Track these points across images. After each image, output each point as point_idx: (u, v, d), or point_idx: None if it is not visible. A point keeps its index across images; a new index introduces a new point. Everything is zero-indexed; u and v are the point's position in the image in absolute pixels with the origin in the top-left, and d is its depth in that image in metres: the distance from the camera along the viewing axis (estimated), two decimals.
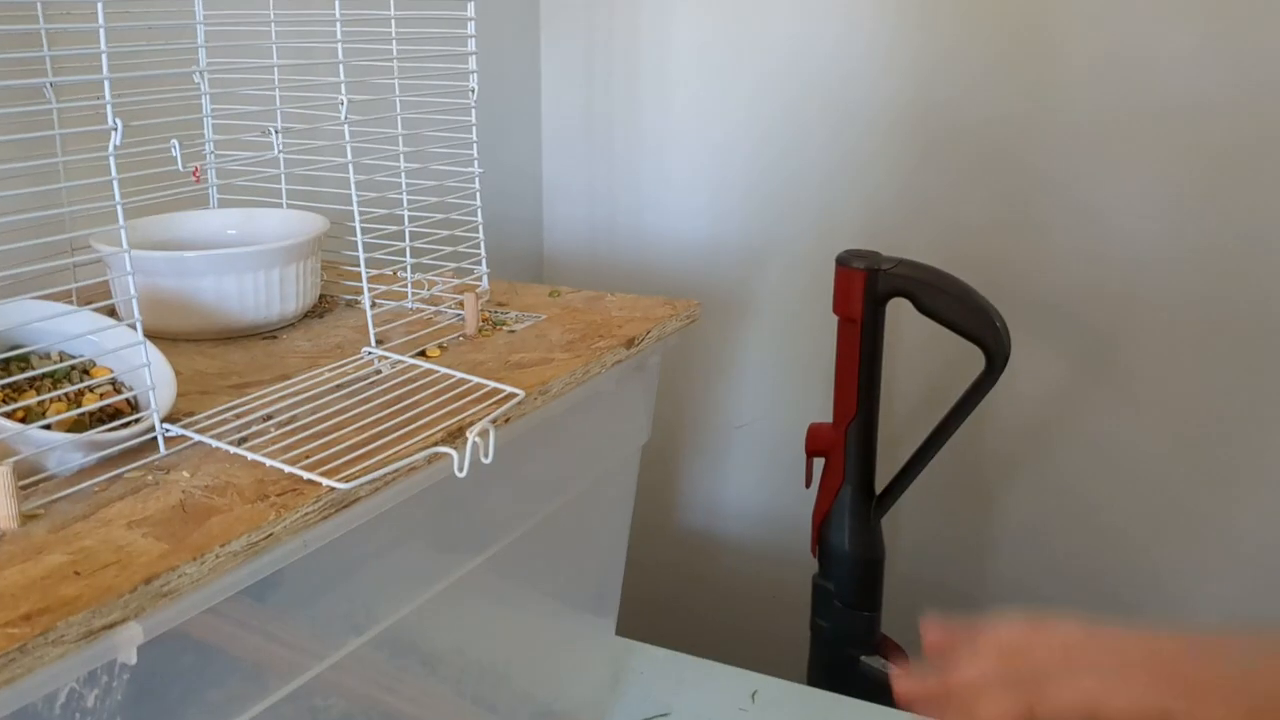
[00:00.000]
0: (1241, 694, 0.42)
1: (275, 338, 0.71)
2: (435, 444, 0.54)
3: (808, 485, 1.05)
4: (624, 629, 0.95)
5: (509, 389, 0.60)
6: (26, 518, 0.45)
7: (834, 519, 1.03)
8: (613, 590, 0.87)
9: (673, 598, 1.39)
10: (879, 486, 1.03)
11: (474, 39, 0.72)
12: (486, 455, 0.55)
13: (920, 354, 1.20)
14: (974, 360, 0.96)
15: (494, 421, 0.56)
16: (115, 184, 0.50)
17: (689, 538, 1.39)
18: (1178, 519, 1.13)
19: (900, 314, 1.00)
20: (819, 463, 1.04)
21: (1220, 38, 1.02)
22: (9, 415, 0.51)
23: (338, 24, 0.63)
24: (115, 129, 0.50)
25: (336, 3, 0.63)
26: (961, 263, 1.01)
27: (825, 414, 1.03)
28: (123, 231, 0.52)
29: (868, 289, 0.96)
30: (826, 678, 1.05)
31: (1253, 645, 0.45)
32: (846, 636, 1.04)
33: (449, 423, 0.56)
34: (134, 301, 0.52)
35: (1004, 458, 1.20)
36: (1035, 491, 1.18)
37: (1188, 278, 1.08)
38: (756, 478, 1.33)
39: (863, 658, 1.04)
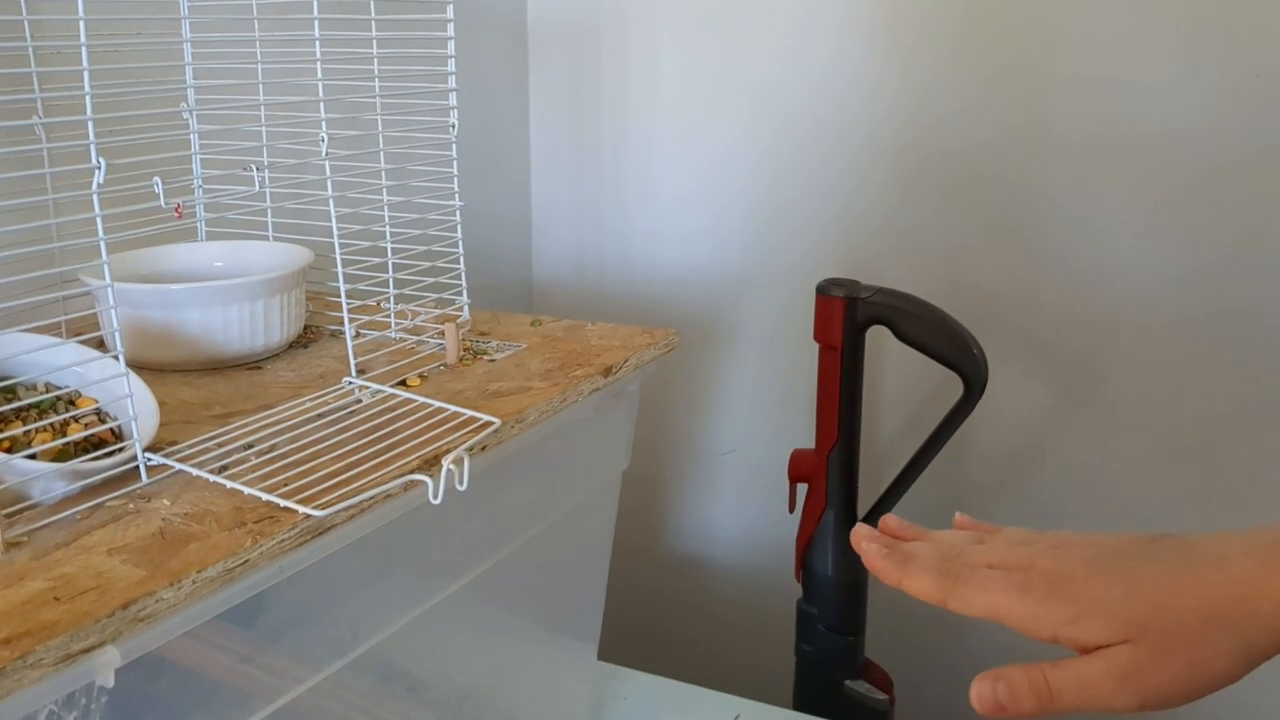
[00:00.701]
0: (1124, 608, 0.43)
1: (260, 368, 0.72)
2: (411, 472, 0.55)
3: (791, 510, 1.06)
4: (610, 655, 0.96)
5: (486, 417, 0.62)
6: (10, 545, 0.47)
7: (817, 544, 1.04)
8: (594, 615, 0.88)
9: (659, 623, 1.40)
10: (861, 511, 1.04)
11: (454, 76, 0.73)
12: (461, 482, 0.56)
13: (901, 381, 1.21)
14: (953, 386, 0.97)
15: (469, 450, 0.58)
16: (99, 220, 0.52)
17: (675, 563, 1.40)
18: None
19: (882, 342, 1.02)
20: (802, 488, 1.05)
21: (1203, 64, 1.03)
22: None
23: (318, 63, 0.65)
24: (99, 168, 0.52)
25: (317, 44, 0.64)
26: (943, 290, 1.02)
27: (809, 440, 1.05)
28: (105, 266, 0.53)
29: (847, 316, 0.97)
30: (812, 702, 1.05)
31: (1153, 552, 0.46)
32: (831, 661, 1.05)
33: (425, 451, 0.57)
34: (116, 334, 0.54)
35: (987, 482, 1.21)
36: (1019, 515, 1.19)
37: (1169, 301, 1.09)
38: (742, 504, 1.35)
39: (847, 682, 1.05)
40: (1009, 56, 1.11)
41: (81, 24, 0.50)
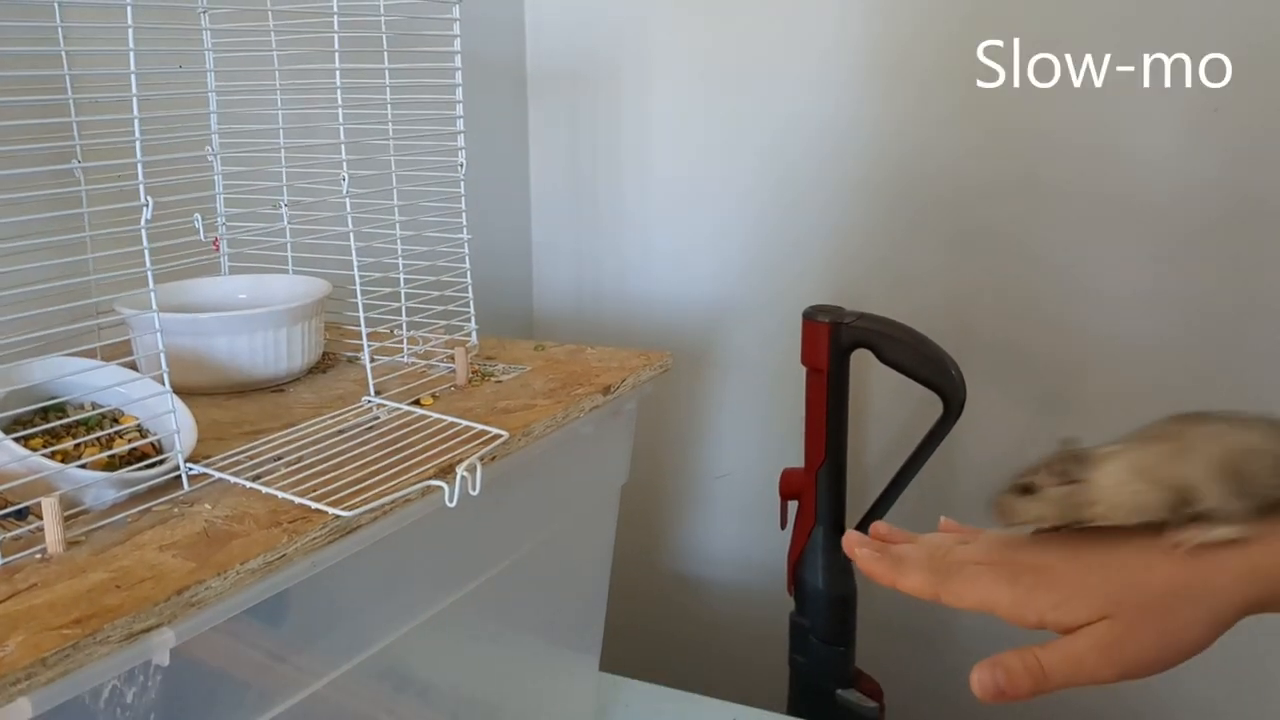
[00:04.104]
0: (1102, 589, 0.48)
1: (283, 391, 0.78)
2: (428, 478, 0.60)
3: (782, 527, 1.11)
4: (611, 665, 1.01)
5: (495, 430, 0.67)
6: (70, 544, 0.52)
7: (808, 558, 1.09)
8: (596, 625, 0.93)
9: (658, 635, 1.44)
10: (850, 526, 1.09)
11: (462, 119, 0.79)
12: (474, 488, 0.61)
13: (885, 401, 1.26)
14: (934, 405, 1.02)
15: (481, 459, 0.63)
16: (146, 254, 0.58)
17: (673, 579, 1.44)
18: None
19: (866, 364, 1.07)
20: (793, 505, 1.10)
21: (1200, 125, 1.08)
22: (49, 457, 0.57)
23: (339, 109, 0.71)
24: (146, 205, 0.57)
25: (339, 92, 0.70)
26: (924, 316, 1.08)
27: (799, 459, 1.10)
28: (152, 295, 0.59)
29: (832, 341, 1.03)
30: (805, 711, 1.10)
31: (1122, 539, 0.50)
32: (823, 671, 1.10)
33: (440, 460, 0.63)
34: (162, 356, 0.59)
35: (971, 496, 1.26)
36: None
37: (1147, 346, 1.14)
38: (737, 522, 1.40)
39: (839, 691, 1.09)
40: (1006, 107, 1.15)
41: (133, 78, 0.56)
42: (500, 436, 0.66)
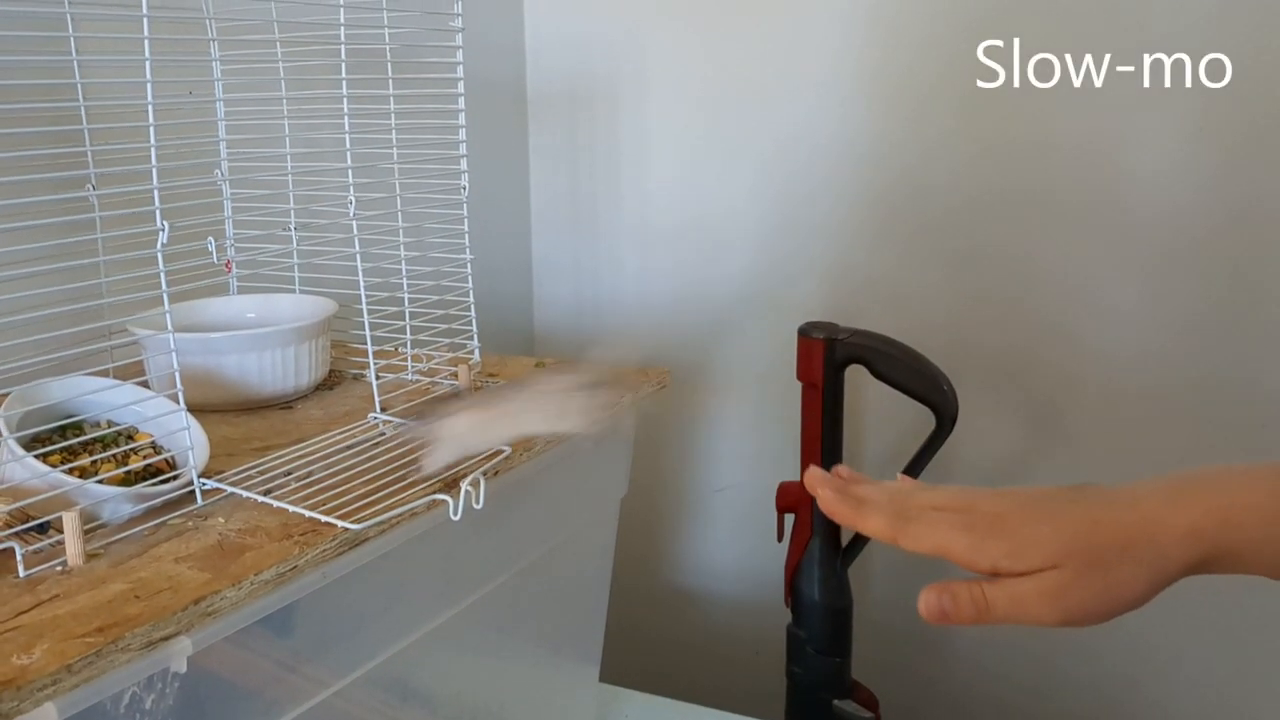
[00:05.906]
0: (1053, 540, 0.50)
1: (291, 408, 0.80)
2: (434, 492, 0.62)
3: (779, 540, 1.13)
4: (611, 677, 1.02)
5: (497, 446, 0.69)
6: (90, 556, 0.54)
7: (804, 570, 1.10)
8: (596, 637, 0.94)
9: (657, 648, 1.46)
10: (845, 539, 1.11)
11: (465, 144, 0.82)
12: (478, 502, 0.63)
13: (879, 415, 1.28)
14: (927, 420, 1.04)
15: (485, 473, 0.65)
16: (162, 276, 0.60)
17: (672, 592, 1.46)
18: None
19: (861, 380, 1.09)
20: (790, 518, 1.12)
21: (1199, 128, 1.09)
22: (68, 473, 0.59)
23: (346, 134, 0.73)
24: (163, 229, 0.59)
25: (345, 117, 0.73)
26: (917, 333, 1.10)
27: (795, 472, 1.12)
28: (167, 316, 0.61)
29: (827, 356, 1.05)
30: None
31: (1077, 496, 0.53)
32: (820, 682, 1.11)
33: (445, 475, 0.65)
34: (177, 375, 0.61)
35: None
36: None
37: (1142, 365, 1.16)
38: (735, 534, 1.41)
39: (835, 702, 1.11)
40: (1006, 111, 1.17)
41: (150, 108, 0.58)
42: (502, 452, 0.68)
